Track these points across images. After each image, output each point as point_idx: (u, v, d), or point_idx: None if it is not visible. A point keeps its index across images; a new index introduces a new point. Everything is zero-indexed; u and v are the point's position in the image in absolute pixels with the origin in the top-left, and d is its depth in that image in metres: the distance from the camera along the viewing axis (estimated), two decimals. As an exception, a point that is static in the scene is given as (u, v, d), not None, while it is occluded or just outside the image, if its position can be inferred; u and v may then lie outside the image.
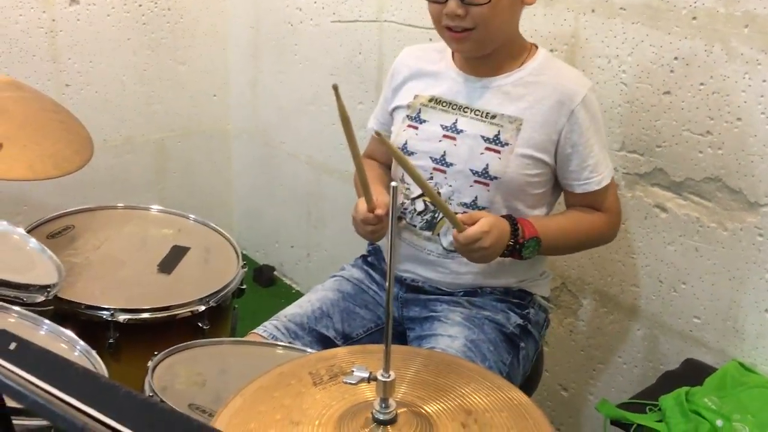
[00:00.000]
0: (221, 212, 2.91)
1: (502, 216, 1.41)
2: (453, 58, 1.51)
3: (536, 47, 1.49)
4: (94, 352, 1.26)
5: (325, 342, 1.52)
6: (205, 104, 2.78)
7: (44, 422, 0.69)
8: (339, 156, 2.41)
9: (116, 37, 2.50)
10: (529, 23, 1.77)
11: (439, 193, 1.47)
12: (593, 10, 1.66)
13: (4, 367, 0.74)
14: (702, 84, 1.52)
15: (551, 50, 1.75)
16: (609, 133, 1.68)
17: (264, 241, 2.89)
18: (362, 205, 1.43)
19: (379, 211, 1.43)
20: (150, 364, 1.31)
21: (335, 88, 1.23)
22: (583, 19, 1.68)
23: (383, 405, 0.92)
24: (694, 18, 1.51)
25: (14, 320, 1.29)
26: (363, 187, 1.41)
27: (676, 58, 1.55)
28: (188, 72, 2.69)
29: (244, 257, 1.81)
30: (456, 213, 1.39)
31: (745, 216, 1.52)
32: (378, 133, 1.30)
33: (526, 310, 1.52)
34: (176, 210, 1.94)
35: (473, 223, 1.34)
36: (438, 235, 1.49)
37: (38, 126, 1.69)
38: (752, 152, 1.48)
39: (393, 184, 0.89)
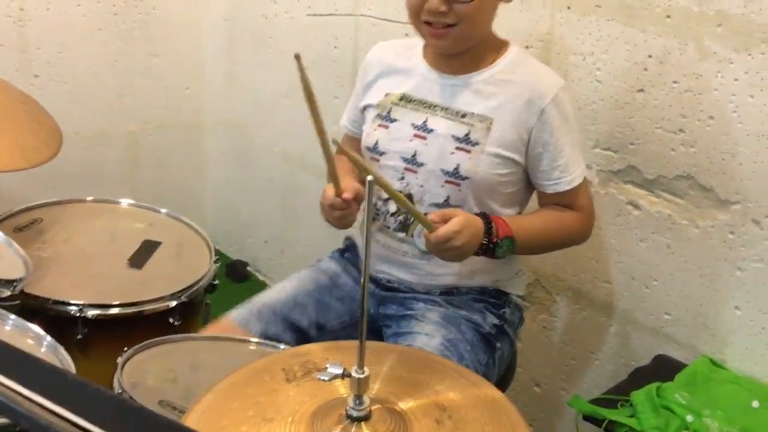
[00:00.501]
0: (195, 206, 2.88)
1: (477, 214, 1.39)
2: (424, 55, 1.49)
3: (508, 44, 1.48)
4: (61, 348, 1.24)
5: (297, 331, 1.51)
6: (179, 97, 2.74)
7: (6, 421, 0.67)
8: (314, 151, 2.35)
9: (87, 27, 2.45)
10: (506, 20, 1.76)
11: (410, 195, 1.45)
12: (569, 7, 1.67)
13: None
14: (675, 82, 1.54)
15: (527, 47, 1.75)
16: (583, 130, 1.69)
17: (238, 235, 2.87)
18: (330, 189, 1.41)
19: (347, 195, 1.39)
20: (119, 360, 1.29)
21: (297, 57, 1.19)
22: (559, 15, 1.69)
23: (357, 402, 0.91)
24: (668, 16, 1.52)
25: (-21, 315, 1.27)
26: (329, 170, 1.37)
27: (650, 56, 1.56)
28: (162, 64, 2.65)
29: (218, 252, 1.79)
30: (426, 214, 1.37)
31: (717, 213, 1.53)
32: (336, 142, 1.25)
33: (502, 310, 1.52)
34: (148, 204, 1.92)
35: (445, 222, 1.32)
36: (412, 236, 1.48)
37: (5, 117, 1.66)
38: (724, 150, 1.49)
39: (369, 178, 0.88)
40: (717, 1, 1.44)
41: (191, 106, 2.78)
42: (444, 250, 1.33)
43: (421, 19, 1.36)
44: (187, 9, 2.65)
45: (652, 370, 1.61)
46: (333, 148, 1.33)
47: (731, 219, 1.51)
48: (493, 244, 1.37)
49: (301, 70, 1.21)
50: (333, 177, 1.39)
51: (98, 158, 2.61)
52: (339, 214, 1.42)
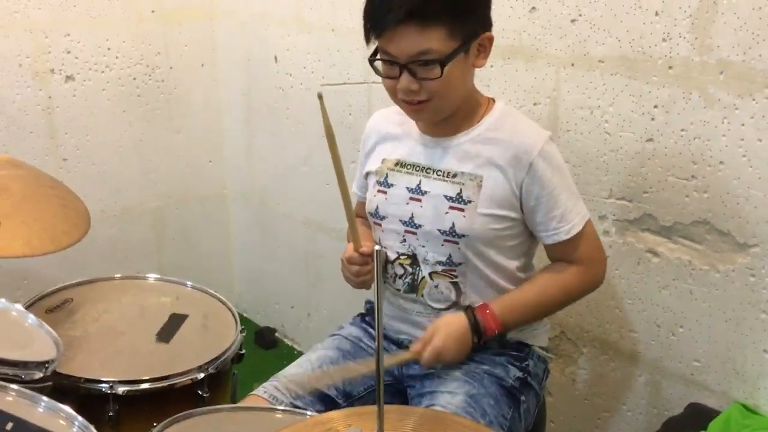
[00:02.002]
0: (221, 275, 2.92)
1: (464, 308, 1.46)
2: (416, 121, 1.54)
3: (493, 101, 1.50)
4: (92, 428, 1.25)
5: (326, 401, 1.52)
6: (201, 170, 2.82)
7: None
8: (334, 215, 2.43)
9: (111, 110, 2.55)
10: (512, 78, 1.82)
11: (414, 255, 1.50)
12: (573, 64, 1.71)
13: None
14: (683, 130, 1.56)
15: (534, 104, 1.79)
16: (596, 182, 1.71)
17: (264, 302, 2.90)
18: (349, 246, 1.49)
19: (364, 249, 1.48)
20: (150, 435, 1.31)
21: (320, 96, 1.26)
22: (564, 72, 1.73)
23: (380, 468, 0.91)
24: (671, 67, 1.55)
25: (12, 398, 1.29)
26: (350, 225, 1.46)
27: (656, 106, 1.59)
28: (183, 140, 2.74)
29: (245, 320, 1.81)
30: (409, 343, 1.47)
31: (736, 257, 1.53)
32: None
33: (525, 363, 1.52)
34: (176, 276, 1.96)
35: (427, 344, 1.40)
36: (422, 296, 1.50)
37: (36, 202, 1.72)
38: (737, 194, 1.50)
39: (377, 248, 0.91)
40: (717, 50, 1.47)
41: (213, 178, 2.86)
42: (440, 362, 1.43)
43: (398, 97, 1.41)
44: (207, 86, 2.75)
45: (685, 419, 1.59)
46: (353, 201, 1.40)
47: (751, 262, 1.51)
48: (485, 342, 1.44)
49: (323, 108, 1.27)
50: (353, 232, 1.46)
51: (125, 235, 2.68)
52: (356, 269, 1.49)
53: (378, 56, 1.39)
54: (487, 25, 1.41)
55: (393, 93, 1.42)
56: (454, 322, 1.43)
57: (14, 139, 2.38)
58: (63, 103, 2.45)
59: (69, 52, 2.43)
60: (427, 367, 1.44)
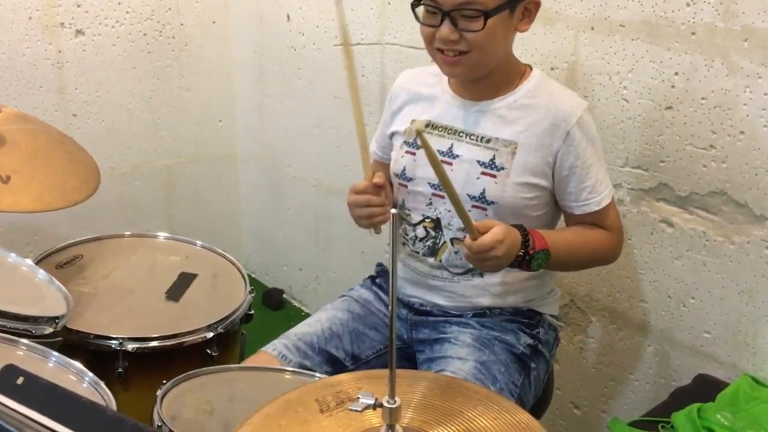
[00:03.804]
0: (230, 236, 2.92)
1: (513, 225, 1.38)
2: (449, 82, 1.51)
3: (530, 68, 1.48)
4: (102, 384, 1.26)
5: (334, 363, 1.52)
6: (211, 130, 2.80)
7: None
8: (345, 178, 2.41)
9: (122, 66, 2.53)
10: (530, 42, 1.78)
11: (438, 219, 1.47)
12: (593, 28, 1.67)
13: (6, 406, 0.75)
14: (703, 98, 1.53)
15: (552, 68, 1.76)
16: (612, 150, 1.69)
17: (273, 264, 2.90)
18: (361, 182, 1.44)
19: (377, 180, 1.43)
20: (159, 393, 1.31)
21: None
22: (583, 36, 1.69)
23: (390, 431, 0.91)
24: (693, 33, 1.51)
25: (22, 353, 1.30)
26: (363, 158, 1.41)
27: (676, 74, 1.55)
28: (194, 98, 2.72)
29: (253, 281, 1.81)
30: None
31: (752, 229, 1.51)
32: (419, 129, 1.22)
33: (536, 330, 1.51)
34: (185, 236, 1.95)
35: (487, 231, 1.31)
36: (440, 261, 1.49)
37: (46, 157, 1.71)
38: (756, 165, 1.48)
39: (393, 210, 0.89)
40: (742, 17, 1.43)
41: (224, 138, 2.84)
42: (485, 259, 1.33)
43: (434, 46, 1.39)
44: (218, 44, 2.71)
45: (692, 390, 1.58)
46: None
47: (767, 234, 1.49)
48: (529, 255, 1.36)
49: (341, 15, 1.25)
50: (365, 162, 1.42)
51: (134, 193, 2.67)
52: (366, 199, 1.43)
53: (421, 2, 1.37)
54: None
55: (429, 42, 1.39)
56: (513, 233, 1.34)
57: (23, 93, 2.36)
58: (73, 57, 2.42)
59: (79, 6, 2.39)
60: (473, 253, 1.31)
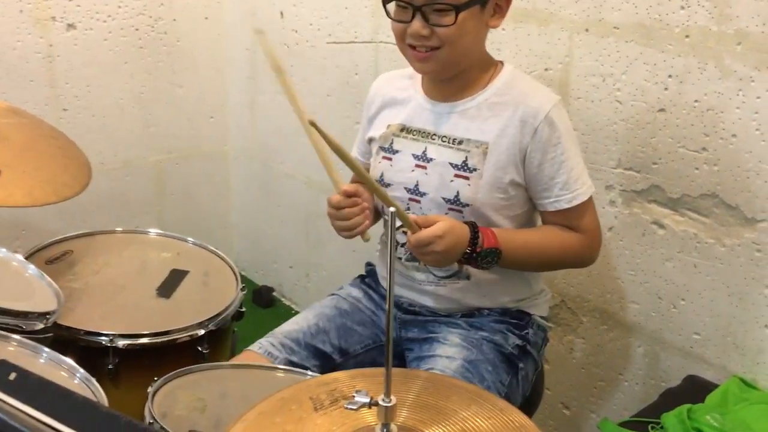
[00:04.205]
0: (220, 233, 2.91)
1: (466, 222, 1.37)
2: (422, 84, 1.50)
3: (502, 64, 1.47)
4: (94, 380, 1.25)
5: (321, 357, 1.52)
6: (203, 126, 2.79)
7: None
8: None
9: (113, 61, 2.51)
10: (524, 43, 1.79)
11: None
12: (587, 30, 1.68)
13: (2, 400, 0.74)
14: (696, 101, 1.53)
15: (546, 69, 1.76)
16: (605, 151, 1.69)
17: (263, 261, 2.89)
18: (334, 195, 1.43)
19: (347, 188, 1.41)
20: (150, 389, 1.31)
21: (259, 32, 1.20)
22: (577, 38, 1.70)
23: (385, 430, 0.91)
24: (687, 36, 1.52)
25: (13, 349, 1.29)
26: (323, 162, 1.37)
27: (670, 76, 1.56)
28: (186, 94, 2.70)
29: (243, 278, 1.80)
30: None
31: (743, 232, 1.52)
32: (312, 122, 1.23)
33: (525, 331, 1.51)
34: (175, 232, 1.95)
35: (428, 226, 1.32)
36: (425, 264, 1.47)
37: (37, 152, 1.70)
38: (748, 168, 1.49)
39: (391, 209, 0.89)
40: (736, 20, 1.44)
41: (215, 135, 2.83)
42: (424, 253, 1.33)
43: (405, 42, 1.38)
44: (211, 40, 2.70)
45: (682, 391, 1.59)
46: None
47: (758, 237, 1.50)
48: (476, 253, 1.35)
49: (265, 45, 1.22)
50: (331, 173, 1.40)
51: (125, 188, 2.65)
52: (340, 213, 1.42)
53: None
54: None
55: (401, 38, 1.38)
56: (459, 226, 1.34)
57: (14, 87, 2.34)
58: (64, 51, 2.41)
59: (71, 0, 2.37)
60: (412, 246, 1.34)
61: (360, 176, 1.36)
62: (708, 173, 1.55)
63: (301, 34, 2.43)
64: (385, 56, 2.17)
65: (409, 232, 1.33)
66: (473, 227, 1.36)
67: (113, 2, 2.46)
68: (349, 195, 1.41)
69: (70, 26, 2.40)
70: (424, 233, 1.31)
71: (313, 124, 1.19)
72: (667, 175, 1.61)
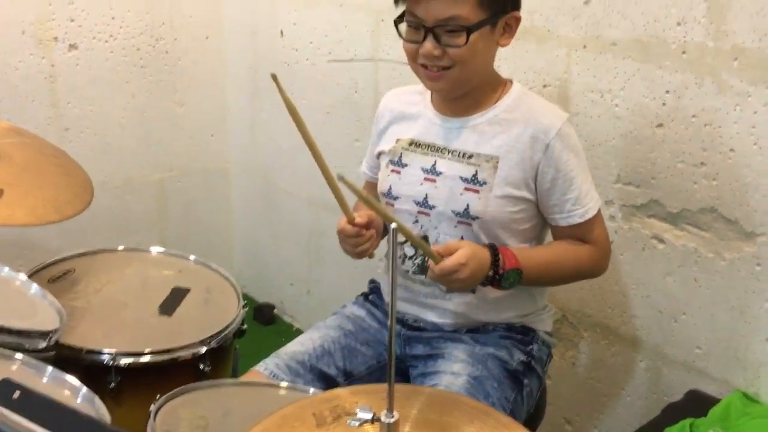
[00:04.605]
0: (222, 250, 2.92)
1: (485, 245, 1.40)
2: (431, 99, 1.52)
3: (510, 83, 1.49)
4: (97, 398, 1.25)
5: (326, 380, 1.52)
6: (204, 144, 2.80)
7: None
8: (337, 193, 2.42)
9: (115, 80, 2.53)
10: (523, 60, 1.80)
11: (425, 237, 1.48)
12: (585, 46, 1.69)
13: (7, 417, 0.74)
14: (694, 116, 1.55)
15: (544, 86, 1.78)
16: (604, 166, 1.70)
17: (264, 279, 2.90)
18: (343, 219, 1.46)
19: (359, 220, 1.44)
20: (152, 408, 1.30)
21: (274, 78, 1.23)
22: (575, 54, 1.71)
23: (387, 446, 0.91)
24: (684, 52, 1.53)
25: (17, 368, 1.29)
26: (334, 194, 1.40)
27: (667, 92, 1.58)
28: (187, 113, 2.72)
29: (244, 296, 1.81)
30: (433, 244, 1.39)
31: (742, 246, 1.53)
32: (341, 177, 1.23)
33: (530, 347, 1.52)
34: (177, 250, 1.95)
35: (450, 254, 1.33)
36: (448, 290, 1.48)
37: (39, 171, 1.71)
38: (746, 182, 1.50)
39: (393, 225, 0.90)
40: (732, 36, 1.46)
41: (216, 152, 2.84)
42: (449, 281, 1.35)
43: (417, 62, 1.40)
44: (211, 59, 2.72)
45: (684, 405, 1.59)
46: (344, 187, 1.35)
47: (757, 251, 1.51)
48: (498, 275, 1.37)
49: (280, 89, 1.25)
50: (341, 203, 1.42)
51: (126, 206, 2.66)
52: (353, 241, 1.46)
53: (404, 19, 1.38)
54: (516, 4, 1.40)
55: (413, 58, 1.40)
56: (480, 251, 1.37)
57: (16, 107, 2.36)
58: (66, 71, 2.42)
59: (73, 20, 2.40)
60: (436, 276, 1.34)
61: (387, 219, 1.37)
62: (707, 188, 1.56)
63: (302, 53, 2.45)
64: (385, 74, 2.18)
65: (431, 263, 1.35)
66: (493, 249, 1.38)
67: (115, 22, 2.48)
68: (357, 226, 1.45)
69: (72, 46, 2.42)
70: (448, 263, 1.32)
71: (341, 179, 1.21)
72: (666, 190, 1.62)
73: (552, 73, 1.77)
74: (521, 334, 1.52)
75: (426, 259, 1.47)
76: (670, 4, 1.53)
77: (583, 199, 1.43)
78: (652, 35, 1.57)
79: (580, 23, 1.69)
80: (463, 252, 1.33)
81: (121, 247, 1.94)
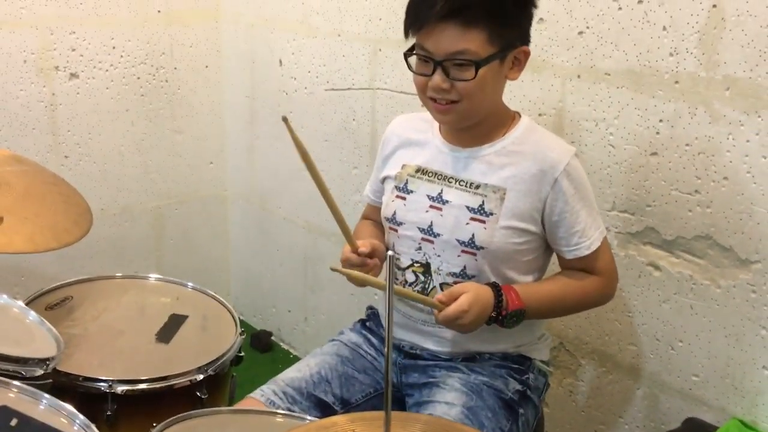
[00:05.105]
0: (219, 277, 2.92)
1: (488, 284, 1.41)
2: (440, 128, 1.53)
3: (519, 115, 1.51)
4: (93, 426, 1.25)
5: (323, 407, 1.52)
6: (202, 171, 2.82)
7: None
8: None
9: (115, 108, 2.55)
10: (518, 89, 1.82)
11: (428, 264, 1.49)
12: (579, 76, 1.72)
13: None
14: (688, 145, 1.56)
15: (540, 114, 1.80)
16: (599, 194, 1.72)
17: (261, 305, 2.89)
18: (347, 247, 1.46)
19: (363, 249, 1.45)
20: (149, 436, 1.30)
21: (285, 120, 1.26)
22: (570, 84, 1.74)
23: (384, 474, 0.91)
24: (677, 82, 1.56)
25: (14, 395, 1.28)
26: (339, 225, 1.43)
27: (661, 121, 1.60)
28: (185, 141, 2.74)
29: (242, 323, 1.81)
30: (443, 283, 1.43)
31: (737, 273, 1.54)
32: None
33: (525, 376, 1.52)
34: (174, 277, 1.95)
35: (453, 300, 1.36)
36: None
37: (38, 198, 1.72)
38: (740, 210, 1.51)
39: (390, 253, 0.91)
40: (723, 66, 1.48)
41: (214, 180, 2.86)
42: (452, 327, 1.39)
43: (426, 95, 1.42)
44: (210, 88, 2.75)
45: (682, 433, 1.59)
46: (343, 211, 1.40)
47: (752, 278, 1.52)
48: (501, 317, 1.40)
49: (291, 131, 1.26)
50: (345, 233, 1.44)
51: (125, 234, 2.67)
52: (360, 269, 1.46)
53: (414, 52, 1.40)
54: (525, 39, 1.42)
55: (422, 91, 1.42)
56: (483, 293, 1.39)
57: (16, 135, 2.38)
58: (66, 100, 2.45)
59: (74, 50, 2.43)
60: (441, 323, 1.38)
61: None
62: (701, 215, 1.57)
63: (300, 82, 2.48)
64: (382, 102, 2.21)
65: (435, 311, 1.38)
66: (497, 290, 1.40)
67: (116, 52, 2.51)
68: (361, 255, 1.46)
69: (73, 75, 2.44)
70: (451, 310, 1.35)
71: (334, 270, 1.25)
72: (661, 217, 1.64)
73: (547, 102, 1.79)
74: (517, 363, 1.52)
75: (426, 286, 1.48)
76: (662, 34, 1.56)
77: (588, 232, 1.45)
78: (645, 65, 1.60)
79: (574, 53, 1.71)
80: (466, 298, 1.35)
81: (118, 274, 1.95)
